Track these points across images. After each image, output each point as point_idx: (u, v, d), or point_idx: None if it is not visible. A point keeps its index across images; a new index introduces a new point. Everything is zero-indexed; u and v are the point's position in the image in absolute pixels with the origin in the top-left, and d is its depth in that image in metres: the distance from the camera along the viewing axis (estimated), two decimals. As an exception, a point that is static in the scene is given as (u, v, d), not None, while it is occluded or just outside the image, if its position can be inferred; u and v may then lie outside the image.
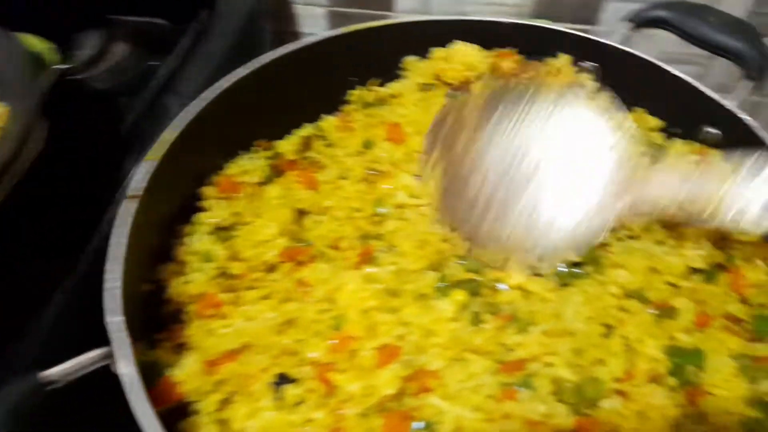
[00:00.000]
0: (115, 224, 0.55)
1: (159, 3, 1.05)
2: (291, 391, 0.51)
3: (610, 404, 0.51)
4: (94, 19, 1.02)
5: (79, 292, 0.65)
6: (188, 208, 0.70)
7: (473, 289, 0.59)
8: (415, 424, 0.49)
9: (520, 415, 0.49)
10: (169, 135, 0.65)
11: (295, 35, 1.28)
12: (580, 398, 0.51)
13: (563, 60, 0.81)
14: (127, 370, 0.46)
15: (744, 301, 0.62)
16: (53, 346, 0.61)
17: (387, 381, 0.50)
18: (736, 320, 0.61)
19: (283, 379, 0.52)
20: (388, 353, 0.52)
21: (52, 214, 0.71)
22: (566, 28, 1.10)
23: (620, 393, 0.52)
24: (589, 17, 1.18)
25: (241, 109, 0.74)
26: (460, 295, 0.57)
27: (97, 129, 0.86)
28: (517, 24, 0.84)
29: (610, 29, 1.17)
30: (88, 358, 0.46)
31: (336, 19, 1.25)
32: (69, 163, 0.75)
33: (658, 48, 1.18)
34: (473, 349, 0.54)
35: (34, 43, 0.83)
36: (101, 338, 0.48)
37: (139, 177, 0.61)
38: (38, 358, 0.59)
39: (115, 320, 0.48)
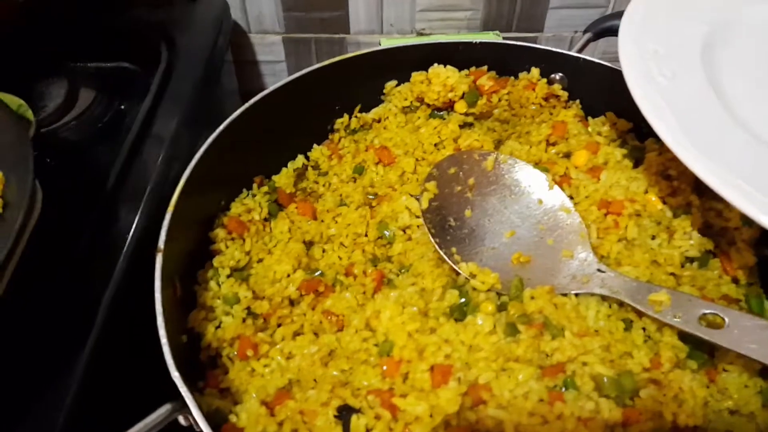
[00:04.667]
0: (155, 280, 0.55)
1: (120, 47, 1.03)
2: (358, 422, 0.52)
3: (647, 393, 0.55)
4: (55, 68, 0.99)
5: (99, 356, 0.63)
6: (201, 253, 0.70)
7: (498, 303, 0.63)
8: (481, 436, 0.51)
9: (571, 414, 0.53)
10: (179, 184, 0.65)
11: (254, 64, 1.29)
12: (620, 391, 0.55)
13: (534, 73, 0.86)
14: (200, 419, 0.46)
15: (736, 281, 0.68)
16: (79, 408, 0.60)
17: (449, 400, 0.52)
18: (732, 300, 0.67)
19: (344, 411, 0.53)
20: (441, 372, 0.54)
21: (57, 275, 0.69)
22: (515, 38, 1.17)
23: (654, 381, 0.56)
24: (534, 26, 1.25)
25: (240, 147, 0.74)
26: (490, 306, 0.60)
27: (83, 182, 0.83)
28: (485, 43, 0.88)
29: (556, 35, 1.26)
30: (158, 415, 0.47)
31: (292, 44, 1.27)
32: (63, 221, 0.74)
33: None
34: (515, 358, 0.57)
35: (9, 100, 0.80)
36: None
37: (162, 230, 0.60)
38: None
39: (176, 375, 0.48)
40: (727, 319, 0.55)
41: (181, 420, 0.49)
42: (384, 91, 0.88)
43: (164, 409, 0.47)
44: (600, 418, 0.52)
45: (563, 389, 0.55)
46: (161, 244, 0.58)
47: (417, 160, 0.84)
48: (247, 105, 0.73)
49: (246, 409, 0.53)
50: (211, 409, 0.53)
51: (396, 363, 0.56)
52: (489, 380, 0.54)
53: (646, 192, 0.72)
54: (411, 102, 0.87)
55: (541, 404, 0.53)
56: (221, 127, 0.70)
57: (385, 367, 0.56)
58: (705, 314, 0.57)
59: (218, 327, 0.63)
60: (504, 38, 1.19)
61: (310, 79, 0.80)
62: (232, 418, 0.53)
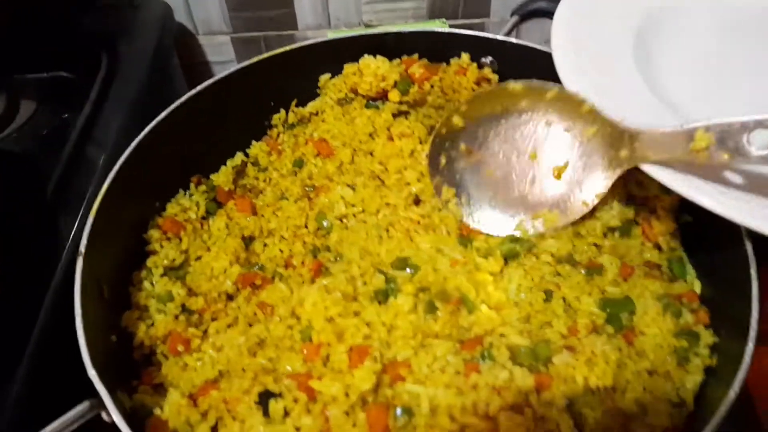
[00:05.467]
0: (75, 283, 0.56)
1: (59, 57, 1.03)
2: (276, 405, 0.54)
3: (561, 359, 0.57)
4: (-6, 82, 0.99)
5: (41, 354, 0.64)
6: (140, 254, 0.71)
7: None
8: (397, 410, 0.53)
9: (485, 384, 0.54)
10: (101, 189, 0.66)
11: (205, 65, 1.30)
12: (535, 358, 0.57)
13: (465, 58, 0.87)
14: (116, 416, 0.47)
15: (658, 247, 0.70)
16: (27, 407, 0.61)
17: (362, 378, 0.54)
18: (654, 266, 0.69)
19: (266, 396, 0.55)
20: (358, 353, 0.56)
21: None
22: (462, 24, 1.17)
23: (569, 348, 0.58)
24: (480, 11, 1.26)
25: (171, 148, 0.75)
26: (410, 287, 0.62)
27: (22, 193, 0.84)
28: (416, 32, 0.89)
29: (503, 20, 1.27)
30: (76, 412, 0.48)
31: (242, 44, 1.27)
32: (4, 230, 0.75)
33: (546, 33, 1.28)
34: (434, 335, 0.59)
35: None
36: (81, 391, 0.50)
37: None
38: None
39: (92, 373, 0.50)
40: None
41: (104, 416, 0.50)
42: (319, 84, 0.89)
43: (82, 406, 0.49)
44: (514, 386, 0.54)
45: (480, 360, 0.57)
46: (82, 248, 0.59)
47: (354, 150, 0.85)
48: (170, 108, 0.74)
49: (168, 402, 0.54)
50: (136, 404, 0.54)
51: (316, 347, 0.57)
52: (408, 357, 0.56)
53: (571, 167, 0.74)
54: (345, 94, 0.88)
55: (457, 376, 0.55)
56: (144, 132, 0.71)
57: (305, 352, 0.57)
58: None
59: (151, 326, 0.64)
60: (450, 26, 1.21)
61: (238, 77, 0.81)
62: (157, 411, 0.54)
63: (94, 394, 0.51)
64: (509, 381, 0.54)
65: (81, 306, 0.54)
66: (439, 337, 0.58)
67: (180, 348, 0.62)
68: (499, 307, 0.61)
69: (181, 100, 0.75)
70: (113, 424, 0.51)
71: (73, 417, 0.48)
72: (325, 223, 0.78)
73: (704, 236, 0.68)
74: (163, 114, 0.73)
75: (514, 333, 0.58)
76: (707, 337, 0.61)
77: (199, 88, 0.77)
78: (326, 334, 0.57)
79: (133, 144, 0.70)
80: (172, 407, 0.54)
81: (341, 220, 0.79)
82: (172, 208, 0.75)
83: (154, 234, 0.72)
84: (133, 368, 0.63)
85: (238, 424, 0.54)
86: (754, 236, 0.58)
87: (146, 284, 0.68)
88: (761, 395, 1.02)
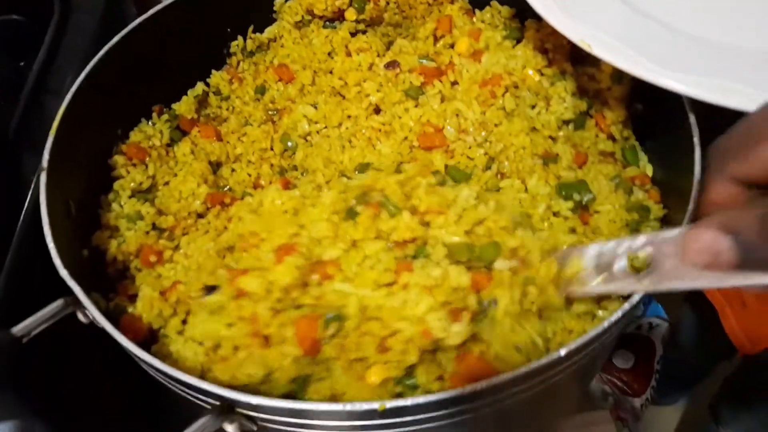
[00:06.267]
0: (40, 193, 0.57)
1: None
2: (213, 299, 0.55)
3: (503, 264, 0.54)
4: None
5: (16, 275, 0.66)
6: (107, 181, 0.72)
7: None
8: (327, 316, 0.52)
9: (416, 282, 0.51)
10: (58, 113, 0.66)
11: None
12: (477, 258, 0.54)
13: (420, -28, 0.87)
14: (91, 308, 0.49)
15: (612, 138, 0.73)
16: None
17: (283, 273, 0.52)
18: (608, 154, 0.71)
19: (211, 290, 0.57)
20: (283, 251, 0.54)
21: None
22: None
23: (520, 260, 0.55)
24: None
25: (129, 76, 0.75)
26: (338, 188, 0.61)
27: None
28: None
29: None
30: (49, 309, 0.50)
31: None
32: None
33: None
34: (358, 239, 0.56)
35: None
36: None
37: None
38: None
39: (64, 273, 0.51)
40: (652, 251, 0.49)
41: (81, 317, 0.52)
42: (275, 8, 0.89)
43: (56, 303, 0.50)
44: (446, 285, 0.52)
45: (413, 258, 0.55)
46: (45, 163, 0.60)
47: (314, 72, 0.86)
48: (120, 35, 0.73)
49: (140, 298, 0.56)
50: (111, 308, 0.56)
51: (248, 244, 0.57)
52: (338, 256, 0.55)
53: (524, 67, 0.75)
54: (302, 16, 0.88)
55: (387, 273, 0.53)
56: (95, 59, 0.70)
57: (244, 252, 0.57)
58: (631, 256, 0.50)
59: (123, 242, 0.66)
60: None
61: (190, 1, 0.80)
62: (130, 308, 0.56)
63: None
64: (442, 280, 0.52)
65: (48, 215, 0.55)
66: (365, 240, 0.55)
67: (152, 259, 0.63)
68: (434, 210, 0.57)
69: (131, 26, 0.75)
70: (90, 325, 0.52)
71: (47, 314, 0.49)
72: (290, 144, 0.79)
73: (654, 122, 0.70)
74: (114, 40, 0.73)
75: (452, 233, 0.56)
76: (657, 211, 0.64)
77: (149, 13, 0.77)
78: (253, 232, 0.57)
79: (87, 69, 0.69)
80: (144, 301, 0.56)
81: (305, 139, 0.80)
82: (135, 136, 0.76)
83: (118, 159, 0.73)
84: (109, 285, 0.65)
85: (192, 317, 0.56)
86: (697, 108, 0.61)
87: (115, 206, 0.69)
88: (727, 311, 1.08)
